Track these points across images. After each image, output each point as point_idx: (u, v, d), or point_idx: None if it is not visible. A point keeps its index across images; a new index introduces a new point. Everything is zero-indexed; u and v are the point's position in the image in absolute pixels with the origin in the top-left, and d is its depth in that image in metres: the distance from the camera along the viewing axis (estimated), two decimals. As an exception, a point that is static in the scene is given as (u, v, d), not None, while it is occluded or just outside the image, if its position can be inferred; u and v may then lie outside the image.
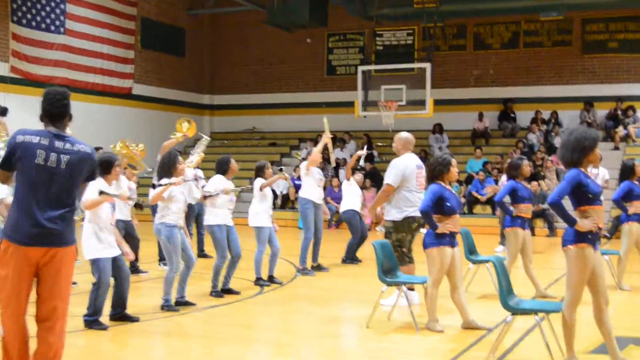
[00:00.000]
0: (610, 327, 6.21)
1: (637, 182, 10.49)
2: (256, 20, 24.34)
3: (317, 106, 26.22)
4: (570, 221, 6.10)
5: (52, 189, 4.99)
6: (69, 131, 5.26)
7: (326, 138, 12.23)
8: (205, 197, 9.92)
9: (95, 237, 7.74)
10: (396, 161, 9.24)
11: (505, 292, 6.58)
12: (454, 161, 8.05)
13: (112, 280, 7.95)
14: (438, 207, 7.80)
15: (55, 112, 5.15)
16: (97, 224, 7.74)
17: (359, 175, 14.19)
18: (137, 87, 24.44)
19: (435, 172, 7.97)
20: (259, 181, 10.60)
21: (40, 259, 4.97)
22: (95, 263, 7.75)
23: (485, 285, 10.20)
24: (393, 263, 8.44)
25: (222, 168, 10.01)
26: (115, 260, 7.87)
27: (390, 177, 9.09)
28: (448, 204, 7.80)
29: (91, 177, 5.32)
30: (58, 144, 5.04)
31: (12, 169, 5.07)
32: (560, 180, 19.19)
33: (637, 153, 20.56)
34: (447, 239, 7.81)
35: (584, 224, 6.09)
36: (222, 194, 9.77)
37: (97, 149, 18.91)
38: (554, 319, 6.70)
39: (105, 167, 7.87)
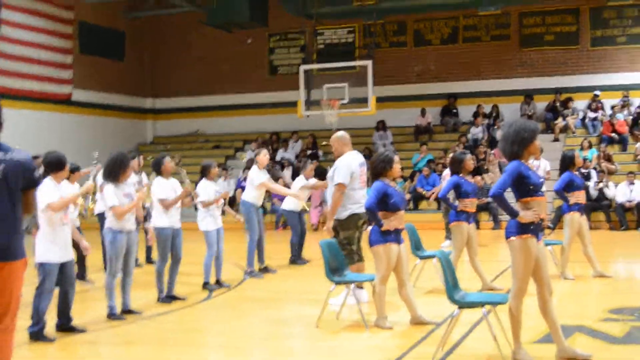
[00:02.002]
0: (554, 316, 6.31)
1: (577, 173, 10.68)
2: (196, 22, 24.17)
3: (260, 107, 26.19)
4: (513, 213, 6.20)
5: None
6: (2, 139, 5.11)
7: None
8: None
9: (46, 239, 7.62)
10: (340, 161, 9.25)
11: (451, 286, 6.64)
12: (396, 157, 8.08)
13: (56, 291, 7.82)
14: (382, 204, 7.83)
15: None
16: (51, 226, 7.63)
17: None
18: (77, 92, 24.06)
19: (378, 169, 7.99)
20: (203, 184, 10.55)
21: None
22: (42, 266, 7.63)
23: (432, 280, 10.29)
24: (340, 262, 8.46)
25: (156, 168, 9.92)
26: (63, 267, 7.75)
27: (340, 176, 9.07)
28: (392, 200, 7.83)
29: (32, 183, 5.11)
30: None
31: None
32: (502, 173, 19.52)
33: (576, 144, 20.99)
34: (393, 236, 7.84)
35: (526, 215, 6.18)
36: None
37: (35, 157, 18.63)
38: (500, 311, 6.78)
39: (56, 165, 7.75)
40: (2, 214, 4.91)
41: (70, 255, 7.90)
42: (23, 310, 8.02)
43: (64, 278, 7.82)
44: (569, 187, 10.47)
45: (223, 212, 10.92)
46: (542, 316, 6.35)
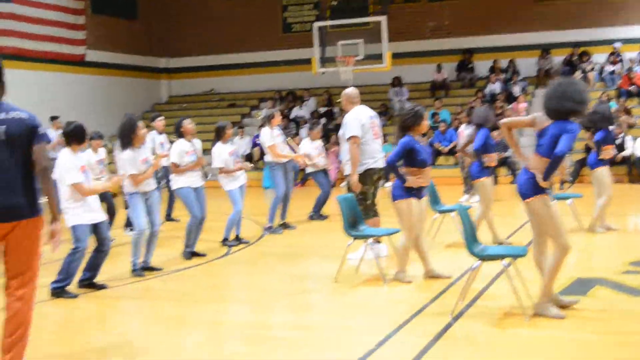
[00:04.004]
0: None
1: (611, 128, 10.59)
2: (209, -21, 23.98)
3: (275, 65, 26.05)
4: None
5: None
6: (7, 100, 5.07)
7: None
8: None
9: (74, 202, 7.64)
10: (349, 115, 9.23)
11: (471, 239, 6.62)
12: (426, 114, 8.01)
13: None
14: (409, 160, 7.75)
15: None
16: (74, 195, 7.65)
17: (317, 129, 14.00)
18: (90, 53, 23.97)
19: (407, 123, 7.87)
20: (218, 147, 10.50)
21: (2, 233, 4.88)
22: (74, 229, 7.67)
23: (451, 234, 10.28)
24: (358, 216, 8.45)
25: (177, 131, 9.96)
26: (97, 226, 7.80)
27: (352, 130, 9.05)
28: (420, 157, 7.76)
29: (38, 140, 5.00)
30: None
31: None
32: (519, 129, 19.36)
33: (595, 98, 20.79)
34: (415, 191, 7.80)
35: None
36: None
37: (54, 117, 18.68)
38: (519, 263, 6.77)
39: (76, 136, 7.74)
40: (8, 174, 4.90)
41: (102, 216, 7.93)
42: (44, 268, 8.13)
43: (98, 239, 7.88)
44: (604, 141, 10.38)
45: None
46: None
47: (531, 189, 6.25)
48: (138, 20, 26.46)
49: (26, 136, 4.95)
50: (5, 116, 4.90)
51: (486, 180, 9.95)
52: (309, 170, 13.56)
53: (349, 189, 9.20)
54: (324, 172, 13.42)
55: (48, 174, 5.06)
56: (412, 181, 7.74)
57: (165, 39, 27.54)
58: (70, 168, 7.57)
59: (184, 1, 27.09)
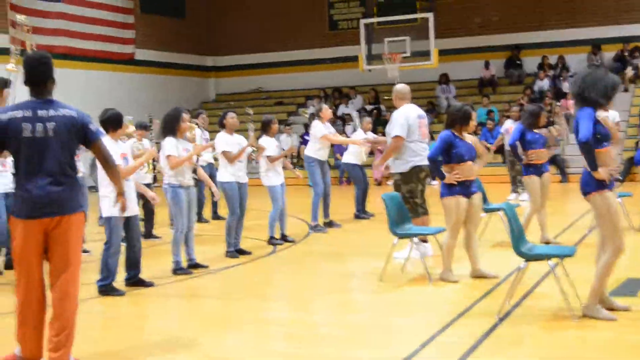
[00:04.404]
0: None
1: None
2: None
3: (321, 62, 26.06)
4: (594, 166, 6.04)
5: (46, 159, 4.95)
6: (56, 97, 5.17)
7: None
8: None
9: (110, 195, 7.71)
10: (397, 113, 9.21)
11: (518, 238, 6.53)
12: (474, 114, 7.94)
13: (123, 247, 7.97)
14: (447, 155, 7.74)
15: (35, 78, 5.07)
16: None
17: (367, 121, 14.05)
18: (139, 52, 24.27)
19: (454, 122, 7.84)
20: (264, 140, 10.55)
21: (46, 228, 4.98)
22: (108, 221, 7.76)
23: (499, 234, 10.16)
24: (404, 215, 8.40)
25: (220, 123, 9.98)
26: (128, 221, 7.87)
27: (396, 128, 9.03)
28: (455, 150, 7.72)
29: (91, 137, 5.14)
30: (41, 112, 4.97)
31: (2, 147, 5.06)
32: (569, 125, 19.07)
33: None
34: (460, 188, 7.74)
35: (602, 172, 6.03)
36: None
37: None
38: (567, 264, 6.65)
39: (113, 122, 7.84)
40: (54, 170, 4.99)
41: (135, 209, 8.00)
42: (93, 265, 8.25)
43: (130, 232, 7.94)
44: None
45: (284, 167, 10.95)
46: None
47: (590, 185, 6.13)
48: (186, 19, 26.69)
49: (75, 133, 5.05)
50: (54, 113, 5.00)
51: (533, 178, 9.80)
52: (345, 161, 13.54)
53: (396, 188, 9.17)
54: (360, 167, 13.39)
55: (112, 164, 5.32)
56: (450, 177, 7.68)
57: (212, 38, 27.74)
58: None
59: (231, 0, 27.24)
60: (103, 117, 7.92)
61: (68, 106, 5.10)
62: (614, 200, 6.15)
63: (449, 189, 7.74)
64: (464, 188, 7.77)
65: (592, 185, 6.09)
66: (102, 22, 22.77)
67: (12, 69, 9.29)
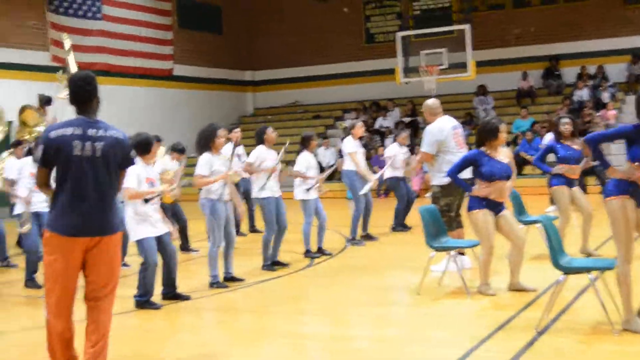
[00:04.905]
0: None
1: None
2: (292, -8, 24.19)
3: (358, 75, 26.08)
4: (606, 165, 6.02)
5: (91, 178, 4.99)
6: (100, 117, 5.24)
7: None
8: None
9: (137, 217, 7.77)
10: (429, 127, 9.20)
11: (556, 251, 6.45)
12: (502, 126, 7.82)
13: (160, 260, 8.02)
14: (477, 173, 7.71)
15: (80, 97, 5.11)
16: (137, 203, 7.77)
17: (404, 135, 13.91)
18: (178, 67, 24.52)
19: (483, 138, 7.77)
20: (304, 156, 10.54)
21: (87, 247, 5.02)
22: (140, 243, 7.80)
23: (537, 246, 10.05)
24: (441, 228, 8.35)
25: (260, 137, 10.01)
26: (160, 239, 7.91)
27: (425, 144, 9.07)
28: (483, 169, 7.63)
29: (126, 163, 5.24)
30: (91, 131, 5.02)
31: (51, 166, 5.05)
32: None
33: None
34: (486, 203, 7.66)
35: (629, 171, 5.95)
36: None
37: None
38: (608, 277, 6.55)
39: (144, 147, 7.90)
40: (102, 191, 5.04)
41: (164, 228, 8.00)
42: (131, 279, 8.31)
43: (163, 250, 7.97)
44: None
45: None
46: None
47: (614, 189, 6.05)
48: (224, 34, 26.90)
49: (120, 156, 5.13)
50: (103, 133, 5.05)
51: (561, 189, 9.64)
52: (387, 175, 13.45)
53: (433, 200, 9.12)
54: (403, 180, 13.33)
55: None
56: (477, 190, 7.63)
57: (249, 52, 27.94)
58: (131, 176, 7.60)
59: (267, 15, 27.43)
60: (133, 141, 7.97)
61: (115, 128, 5.17)
62: (632, 210, 6.03)
63: (477, 203, 7.67)
64: (492, 205, 7.69)
65: (614, 189, 6.04)
66: (142, 38, 23.05)
67: (64, 97, 9.32)
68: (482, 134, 7.80)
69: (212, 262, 8.79)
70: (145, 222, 7.78)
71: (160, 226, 7.91)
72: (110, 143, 5.06)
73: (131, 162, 5.36)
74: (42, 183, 5.15)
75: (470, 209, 7.75)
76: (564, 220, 9.66)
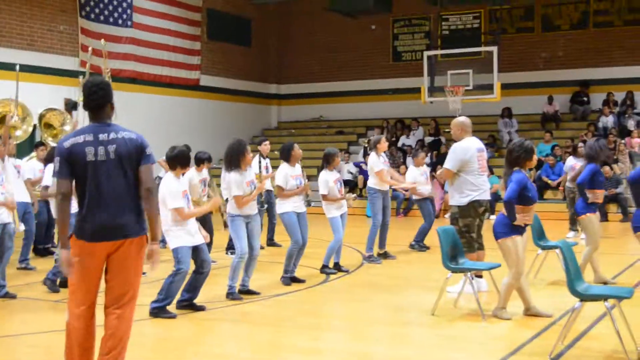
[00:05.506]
0: None
1: None
2: (321, 9, 24.26)
3: (383, 93, 26.10)
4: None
5: (109, 182, 5.02)
6: (114, 120, 5.24)
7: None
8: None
9: (175, 226, 7.83)
10: (455, 145, 9.16)
11: (573, 277, 6.41)
12: (534, 147, 7.80)
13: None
14: (520, 197, 7.42)
15: (93, 103, 5.15)
16: (174, 218, 7.83)
17: (422, 155, 13.76)
18: (204, 78, 24.66)
19: (517, 157, 7.57)
20: (324, 174, 10.53)
21: (109, 251, 5.05)
22: (176, 251, 7.85)
23: (555, 272, 9.99)
24: (458, 249, 8.32)
25: (285, 154, 10.03)
26: (197, 248, 7.96)
27: (448, 161, 9.04)
28: (530, 194, 7.50)
29: (145, 161, 5.13)
30: (102, 136, 5.04)
31: (70, 176, 5.04)
32: (633, 164, 18.70)
33: None
34: (518, 229, 7.58)
35: None
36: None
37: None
38: (625, 306, 6.51)
39: (180, 161, 7.96)
40: (118, 193, 5.05)
41: (201, 239, 8.06)
42: (149, 287, 8.35)
43: (198, 259, 8.02)
44: None
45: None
46: None
47: None
48: (252, 47, 27.03)
49: (135, 155, 5.11)
50: (115, 136, 5.08)
51: (592, 217, 9.58)
52: (414, 197, 13.42)
53: (452, 221, 9.09)
54: (431, 201, 13.28)
55: (152, 194, 5.17)
56: (520, 220, 7.49)
57: (276, 66, 28.05)
58: (173, 192, 7.76)
59: (296, 29, 27.55)
60: (171, 154, 8.03)
61: (128, 130, 5.18)
62: None
63: (509, 229, 7.51)
64: (520, 229, 7.62)
65: None
66: (170, 48, 23.20)
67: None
68: (517, 154, 7.56)
69: (233, 273, 8.83)
70: (183, 231, 7.84)
71: (197, 236, 7.97)
72: (123, 144, 5.07)
73: (150, 159, 5.20)
74: (65, 194, 5.03)
75: (499, 236, 7.55)
76: (593, 248, 9.54)
